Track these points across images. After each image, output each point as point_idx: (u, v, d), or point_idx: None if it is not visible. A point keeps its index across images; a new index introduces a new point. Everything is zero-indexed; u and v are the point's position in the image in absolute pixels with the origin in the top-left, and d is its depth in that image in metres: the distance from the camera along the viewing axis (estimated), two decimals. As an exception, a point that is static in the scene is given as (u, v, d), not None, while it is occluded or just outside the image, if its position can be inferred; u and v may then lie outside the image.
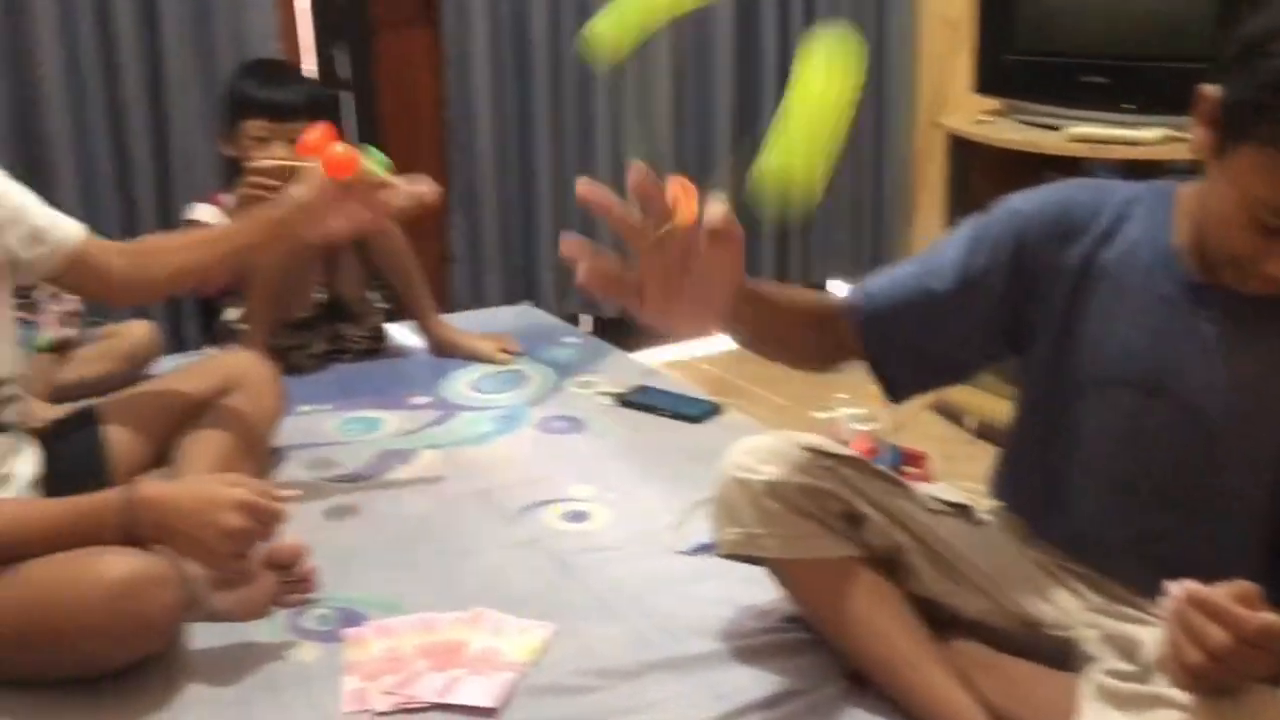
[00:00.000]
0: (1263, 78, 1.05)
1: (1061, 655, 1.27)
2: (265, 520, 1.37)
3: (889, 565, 1.33)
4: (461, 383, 2.34)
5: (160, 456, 1.72)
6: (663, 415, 2.19)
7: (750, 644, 1.42)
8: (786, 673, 1.37)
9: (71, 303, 2.23)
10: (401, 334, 2.59)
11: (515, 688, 1.35)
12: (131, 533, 1.34)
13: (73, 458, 1.64)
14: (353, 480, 1.93)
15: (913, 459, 2.23)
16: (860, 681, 1.34)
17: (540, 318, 2.83)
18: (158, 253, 1.71)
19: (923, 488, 1.40)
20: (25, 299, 2.13)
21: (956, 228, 1.32)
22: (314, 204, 1.69)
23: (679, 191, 1.01)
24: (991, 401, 2.62)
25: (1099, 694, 1.14)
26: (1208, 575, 1.00)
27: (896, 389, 1.34)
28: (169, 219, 2.65)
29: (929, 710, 1.26)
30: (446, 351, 2.47)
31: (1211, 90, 1.12)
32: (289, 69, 2.59)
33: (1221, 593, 0.98)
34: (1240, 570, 1.02)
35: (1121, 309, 1.22)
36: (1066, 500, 1.29)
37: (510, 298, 3.08)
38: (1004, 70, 2.79)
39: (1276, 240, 1.08)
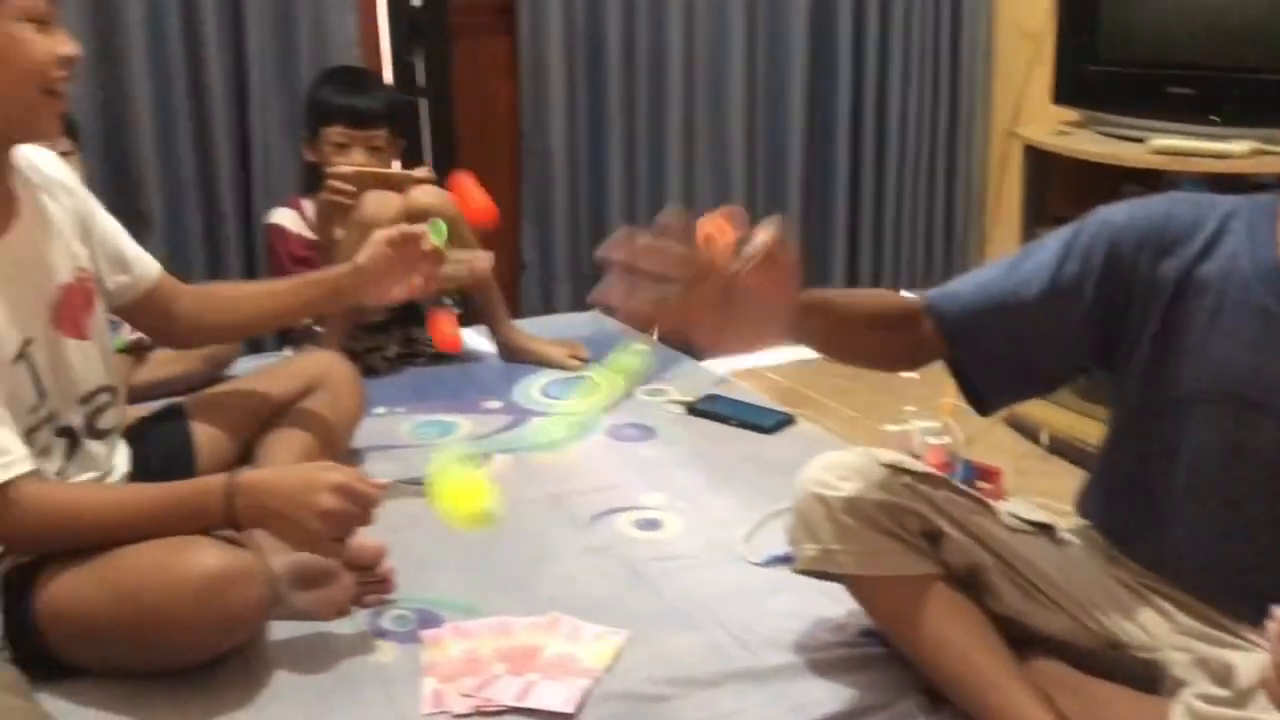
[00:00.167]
0: None
1: (1146, 678, 1.24)
2: (362, 503, 1.37)
3: (968, 583, 1.32)
4: (534, 388, 2.36)
5: (244, 456, 1.75)
6: (732, 425, 2.18)
7: (826, 657, 1.42)
8: (863, 687, 1.36)
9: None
10: (473, 338, 2.61)
11: (591, 694, 1.36)
12: (232, 518, 1.36)
13: (161, 453, 1.67)
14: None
15: (986, 474, 2.20)
16: (937, 698, 1.33)
17: (610, 325, 2.83)
18: (224, 301, 1.77)
19: (1002, 505, 1.39)
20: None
21: (1040, 238, 1.31)
22: (374, 270, 1.76)
23: (713, 230, 1.02)
24: (1067, 417, 2.58)
25: (1191, 717, 1.12)
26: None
27: (983, 400, 1.32)
28: (250, 222, 2.72)
29: (1010, 729, 1.24)
30: (517, 357, 2.49)
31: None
32: (369, 76, 2.63)
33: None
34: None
35: (1221, 323, 1.20)
36: (1163, 519, 1.27)
37: (580, 305, 3.09)
38: (1085, 81, 2.75)
39: None
